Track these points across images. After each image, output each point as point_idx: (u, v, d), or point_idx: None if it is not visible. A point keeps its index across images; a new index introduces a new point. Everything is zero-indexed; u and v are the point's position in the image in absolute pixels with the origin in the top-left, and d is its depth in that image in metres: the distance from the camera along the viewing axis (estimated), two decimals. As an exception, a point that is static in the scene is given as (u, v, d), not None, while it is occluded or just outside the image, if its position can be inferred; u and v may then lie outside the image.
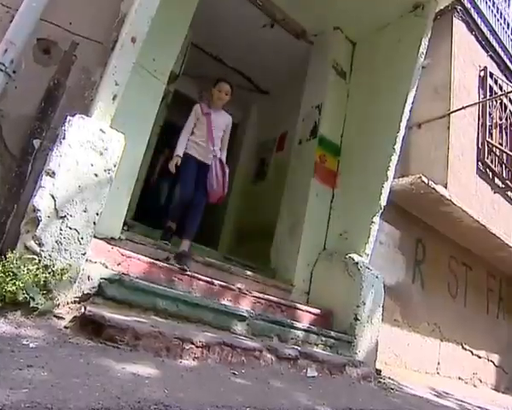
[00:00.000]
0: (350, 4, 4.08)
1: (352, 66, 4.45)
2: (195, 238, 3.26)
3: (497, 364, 6.30)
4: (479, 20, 6.00)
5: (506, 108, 6.36)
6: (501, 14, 6.62)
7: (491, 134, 5.95)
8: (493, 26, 6.30)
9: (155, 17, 2.32)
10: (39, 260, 1.82)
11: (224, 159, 3.28)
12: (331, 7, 4.17)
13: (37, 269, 1.79)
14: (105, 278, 2.09)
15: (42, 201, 1.86)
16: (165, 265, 2.62)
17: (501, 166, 6.12)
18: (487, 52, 6.21)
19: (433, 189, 4.42)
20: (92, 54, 2.52)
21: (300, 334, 2.90)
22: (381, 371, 3.39)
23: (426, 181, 4.34)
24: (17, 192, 2.22)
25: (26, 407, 1.04)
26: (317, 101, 4.27)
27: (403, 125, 3.65)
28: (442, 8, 4.17)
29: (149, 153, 4.13)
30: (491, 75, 6.13)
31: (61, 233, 1.90)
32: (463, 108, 5.20)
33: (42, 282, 1.79)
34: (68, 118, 2.01)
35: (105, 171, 2.05)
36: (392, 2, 3.94)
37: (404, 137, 3.73)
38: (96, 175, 2.02)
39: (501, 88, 6.25)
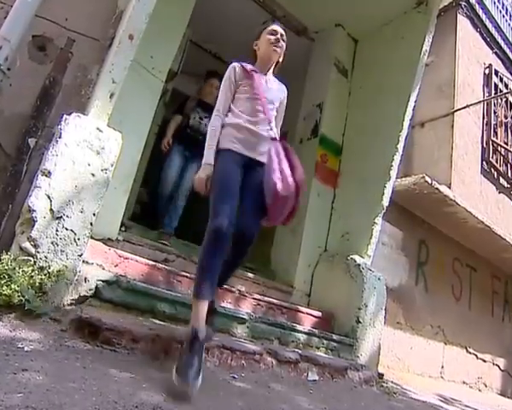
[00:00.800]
0: (352, 0, 4.08)
1: (353, 63, 4.45)
2: (194, 240, 3.26)
3: (503, 368, 6.30)
4: (484, 17, 6.00)
5: (511, 106, 6.36)
6: (506, 10, 6.62)
7: (495, 133, 5.95)
8: (498, 22, 6.31)
9: (153, 14, 2.31)
10: (35, 262, 1.82)
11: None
12: (333, 3, 4.17)
13: (33, 271, 1.79)
14: (102, 280, 2.09)
15: (37, 201, 1.85)
16: (164, 266, 2.62)
17: (506, 165, 6.12)
18: (492, 49, 6.21)
19: (437, 189, 4.42)
20: (89, 51, 2.53)
21: (301, 337, 2.89)
22: (383, 374, 3.39)
23: (429, 181, 4.34)
24: (12, 192, 2.22)
25: (21, 411, 1.04)
26: (318, 99, 4.27)
27: (406, 123, 3.65)
28: (446, 4, 4.18)
29: (147, 152, 4.12)
30: (497, 73, 6.13)
31: (57, 234, 1.90)
32: (468, 106, 5.20)
33: (37, 284, 1.78)
34: (64, 116, 2.01)
35: (102, 170, 2.05)
36: (395, -1, 3.94)
37: (406, 137, 3.72)
38: (92, 175, 2.02)
39: (506, 86, 6.26)
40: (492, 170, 5.85)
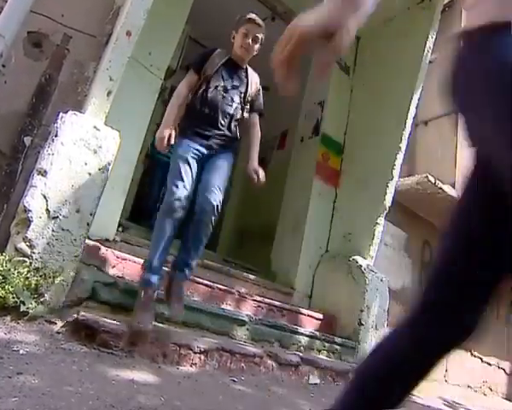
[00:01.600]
0: (354, -4, 4.07)
1: (355, 61, 4.45)
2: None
3: (509, 372, 6.29)
4: (488, 13, 5.99)
5: (517, 104, 6.36)
6: None
7: (501, 131, 5.94)
8: (503, 18, 6.30)
9: (151, 10, 2.31)
10: (30, 263, 1.82)
11: None
12: (334, -1, 4.16)
13: (28, 272, 1.79)
14: (99, 282, 2.09)
15: (33, 201, 1.85)
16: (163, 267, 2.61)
17: None
18: (497, 46, 6.20)
19: (441, 188, 4.42)
20: (85, 48, 2.52)
21: (302, 339, 2.89)
22: (386, 378, 3.37)
23: (433, 180, 4.33)
24: (7, 192, 2.22)
25: (16, 415, 1.03)
26: (320, 97, 4.27)
27: (409, 122, 3.65)
28: (450, -1, 4.17)
29: (145, 151, 4.13)
30: (502, 70, 6.13)
31: (53, 234, 1.89)
32: (472, 104, 5.19)
33: (33, 285, 1.78)
34: (61, 114, 2.01)
35: (99, 170, 2.05)
36: (399, -6, 3.94)
37: (410, 135, 3.72)
38: (89, 174, 2.02)
39: None
40: (497, 169, 5.84)
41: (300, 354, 2.59)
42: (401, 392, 0.85)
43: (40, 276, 1.82)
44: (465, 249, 0.77)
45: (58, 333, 1.77)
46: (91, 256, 2.25)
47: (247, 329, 2.61)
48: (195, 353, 1.99)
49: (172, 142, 2.09)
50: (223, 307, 2.69)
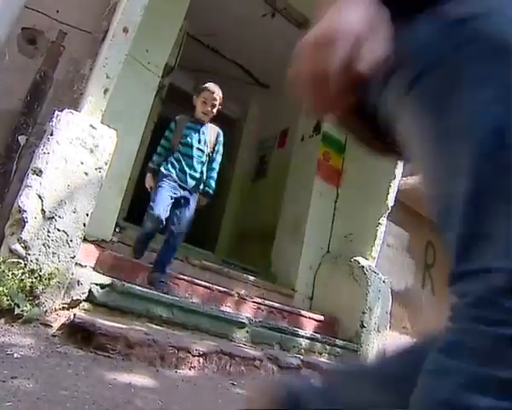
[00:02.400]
0: (355, -8, 4.07)
1: (357, 57, 4.44)
2: (191, 240, 3.26)
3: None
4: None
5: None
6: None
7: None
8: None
9: (148, 5, 2.31)
10: (25, 265, 1.81)
11: None
12: (335, -5, 4.16)
13: (23, 274, 1.78)
14: (95, 283, 2.08)
15: (28, 201, 1.85)
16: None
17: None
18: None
19: (444, 188, 4.42)
20: (81, 44, 2.52)
21: (303, 342, 2.89)
22: (389, 381, 3.38)
23: (436, 180, 4.33)
24: (1, 192, 2.21)
25: (11, 420, 1.03)
26: (321, 94, 4.26)
27: (412, 120, 3.64)
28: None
29: (143, 150, 4.12)
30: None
31: (48, 235, 1.89)
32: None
33: (28, 287, 1.78)
34: (56, 113, 2.00)
35: (96, 169, 2.05)
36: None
37: (413, 133, 3.72)
38: (86, 174, 2.01)
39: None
40: (502, 168, 5.85)
41: (301, 357, 2.59)
42: None
43: (35, 278, 1.82)
44: None
45: (53, 336, 1.77)
46: (88, 257, 2.25)
47: (247, 331, 2.60)
48: (194, 356, 1.99)
49: None
50: (222, 309, 2.69)
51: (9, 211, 1.91)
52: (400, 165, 3.63)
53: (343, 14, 0.57)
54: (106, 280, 2.14)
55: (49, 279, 1.85)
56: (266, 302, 3.04)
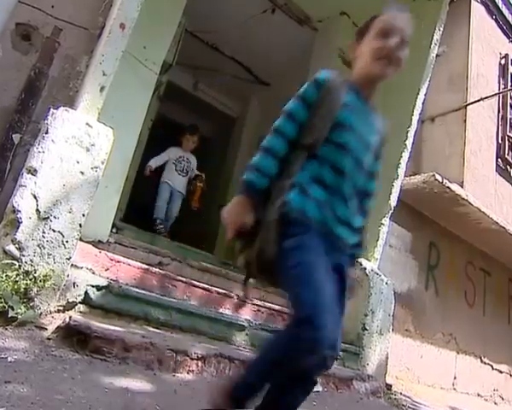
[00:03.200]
0: (357, -13, 4.07)
1: (359, 54, 4.44)
2: (189, 241, 3.25)
3: (520, 379, 6.29)
4: (500, 3, 5.96)
5: (528, 99, 6.35)
6: (524, -4, 6.60)
7: (512, 128, 5.94)
8: (516, 8, 6.29)
9: (146, 1, 2.31)
10: (19, 266, 1.81)
11: None
12: (337, -10, 4.17)
13: (17, 275, 1.78)
14: (92, 285, 2.08)
15: (22, 201, 1.85)
16: (158, 270, 2.61)
17: (522, 162, 6.11)
18: (509, 38, 6.18)
19: (448, 187, 4.41)
20: (77, 41, 2.51)
21: (304, 345, 2.88)
22: (391, 385, 3.38)
23: (440, 179, 4.33)
24: (-5, 191, 2.21)
25: (4, 426, 1.03)
26: (322, 92, 4.26)
27: (415, 118, 3.64)
28: (458, -10, 4.16)
29: (140, 149, 4.12)
30: (513, 63, 6.12)
31: (43, 236, 1.89)
32: (482, 99, 5.19)
33: (22, 289, 1.78)
34: (51, 111, 2.00)
35: (92, 168, 2.04)
36: (404, -15, 3.93)
37: (416, 132, 3.72)
38: (82, 173, 2.01)
39: (523, 78, 6.24)
40: (508, 167, 5.83)
41: (302, 361, 2.58)
42: None
43: (30, 279, 1.81)
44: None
45: (48, 339, 1.77)
46: (84, 259, 2.24)
47: (247, 334, 2.60)
48: (192, 359, 1.99)
49: None
50: (221, 311, 2.68)
51: (3, 211, 1.91)
52: (403, 164, 3.62)
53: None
54: (102, 282, 2.14)
55: (43, 281, 1.85)
56: (266, 304, 3.03)
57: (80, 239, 2.09)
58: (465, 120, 5.13)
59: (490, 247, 5.61)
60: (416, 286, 4.86)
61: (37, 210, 1.88)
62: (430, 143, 5.27)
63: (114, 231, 2.94)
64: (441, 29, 3.72)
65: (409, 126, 3.62)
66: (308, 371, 1.29)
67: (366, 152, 1.42)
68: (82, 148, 2.03)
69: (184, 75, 5.48)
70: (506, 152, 5.75)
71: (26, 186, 1.86)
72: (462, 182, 4.84)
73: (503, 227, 5.00)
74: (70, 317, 1.88)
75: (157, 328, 2.24)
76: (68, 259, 1.96)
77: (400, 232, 4.74)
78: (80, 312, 2.02)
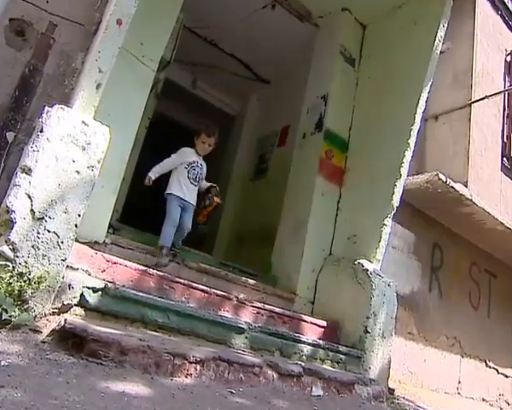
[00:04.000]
0: (359, -17, 4.07)
1: (361, 51, 4.44)
2: (188, 242, 3.25)
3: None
4: (506, -3, 5.97)
5: (534, 97, 6.34)
6: (530, -10, 6.59)
7: (517, 127, 5.93)
8: (521, 4, 6.29)
9: (143, -4, 2.31)
10: (13, 268, 1.81)
11: None
12: (339, -14, 4.17)
13: (11, 277, 1.78)
14: (88, 287, 2.08)
15: (16, 201, 1.85)
16: (156, 272, 2.61)
17: (528, 162, 6.10)
18: (515, 34, 6.19)
19: (452, 187, 4.42)
20: (72, 37, 2.52)
21: (304, 348, 2.89)
22: (394, 390, 3.38)
23: (444, 179, 4.33)
24: (-11, 191, 2.20)
25: (-2, 431, 1.03)
26: (323, 90, 4.26)
27: (418, 117, 3.64)
28: (463, -15, 4.16)
29: (137, 148, 4.12)
30: (519, 60, 6.11)
31: (38, 237, 1.89)
32: (486, 97, 5.19)
33: (16, 291, 1.78)
34: (46, 108, 2.00)
35: (88, 168, 2.04)
36: (407, -20, 3.94)
37: (419, 131, 3.72)
38: (77, 172, 2.01)
39: (529, 75, 6.24)
40: (513, 167, 5.84)
41: (302, 364, 2.58)
42: None
43: (24, 281, 1.81)
44: None
45: (43, 342, 1.76)
46: (79, 260, 2.24)
47: (246, 337, 2.60)
48: (191, 363, 1.99)
49: None
50: (220, 313, 2.68)
51: (-3, 211, 1.91)
52: (406, 163, 3.62)
53: None
54: (98, 284, 2.14)
55: (38, 283, 1.85)
56: (266, 307, 3.03)
57: (76, 240, 2.09)
58: (469, 119, 5.13)
59: (495, 248, 5.61)
60: (419, 288, 4.87)
61: (32, 210, 1.87)
62: (434, 141, 5.28)
63: (111, 231, 2.93)
64: (445, 25, 3.72)
65: (412, 125, 3.62)
66: None
67: None
68: (78, 146, 2.03)
69: (183, 72, 5.48)
70: (511, 151, 5.75)
71: (20, 186, 1.86)
72: (467, 182, 4.84)
73: (509, 228, 5.00)
74: (65, 319, 1.87)
75: (155, 331, 2.24)
76: (64, 260, 1.96)
77: (403, 233, 4.74)
78: (76, 314, 2.02)
